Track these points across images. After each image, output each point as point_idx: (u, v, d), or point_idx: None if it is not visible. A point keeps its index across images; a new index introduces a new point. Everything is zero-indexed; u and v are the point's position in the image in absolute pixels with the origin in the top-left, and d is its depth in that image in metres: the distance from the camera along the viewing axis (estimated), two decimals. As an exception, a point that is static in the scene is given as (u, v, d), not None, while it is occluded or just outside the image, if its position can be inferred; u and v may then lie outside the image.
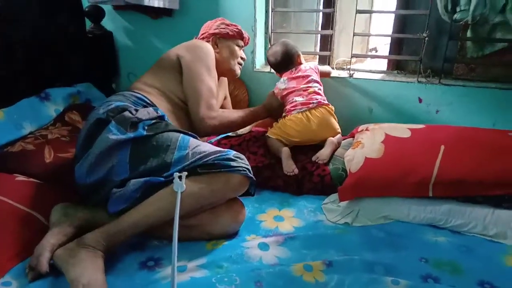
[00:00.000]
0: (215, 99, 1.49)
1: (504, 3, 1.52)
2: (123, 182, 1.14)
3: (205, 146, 1.19)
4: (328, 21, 1.90)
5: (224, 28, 1.63)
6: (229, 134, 1.71)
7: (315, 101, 1.60)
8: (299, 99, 1.61)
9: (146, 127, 1.20)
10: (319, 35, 2.10)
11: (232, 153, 1.16)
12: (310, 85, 1.64)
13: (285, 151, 1.53)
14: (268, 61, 1.80)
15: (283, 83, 1.69)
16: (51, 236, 1.07)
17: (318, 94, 1.64)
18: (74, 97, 1.85)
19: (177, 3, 1.95)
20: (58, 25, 1.82)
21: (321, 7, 1.98)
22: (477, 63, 1.72)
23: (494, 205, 1.17)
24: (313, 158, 1.51)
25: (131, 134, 1.17)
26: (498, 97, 1.66)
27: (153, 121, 1.23)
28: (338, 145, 1.59)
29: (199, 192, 1.10)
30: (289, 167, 1.48)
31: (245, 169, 1.15)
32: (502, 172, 1.17)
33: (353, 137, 1.61)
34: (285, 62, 1.72)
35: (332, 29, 1.88)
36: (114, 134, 1.17)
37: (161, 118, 1.28)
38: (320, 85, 1.69)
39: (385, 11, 2.01)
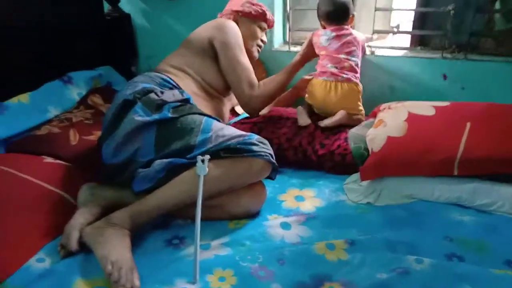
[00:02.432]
0: (254, 75, 1.51)
1: (537, -28, 1.44)
2: (148, 162, 1.17)
3: (229, 130, 1.20)
4: (349, -3, 1.84)
5: (248, 7, 1.60)
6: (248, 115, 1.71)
7: (345, 75, 1.56)
8: (332, 68, 1.57)
9: (171, 109, 1.21)
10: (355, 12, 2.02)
11: (255, 137, 1.17)
12: (349, 57, 1.57)
13: (299, 108, 1.61)
14: (318, 8, 1.66)
15: (327, 38, 1.60)
16: (80, 215, 1.11)
17: (352, 70, 1.58)
18: (96, 81, 1.87)
19: (194, -17, 1.93)
20: (76, 8, 1.83)
21: (341, -18, 1.91)
22: (506, 37, 1.64)
23: (521, 184, 1.14)
24: (319, 122, 1.56)
25: (156, 116, 1.19)
26: (528, 72, 1.59)
27: (178, 103, 1.25)
28: (350, 121, 1.56)
29: (221, 176, 1.11)
30: (302, 119, 1.55)
31: (268, 154, 1.15)
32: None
33: (375, 116, 1.58)
34: (339, 13, 1.60)
35: (353, 3, 1.82)
36: (140, 115, 1.20)
37: (186, 100, 1.29)
38: (359, 60, 1.63)
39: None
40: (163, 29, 2.18)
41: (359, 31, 1.92)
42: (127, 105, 1.24)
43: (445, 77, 1.73)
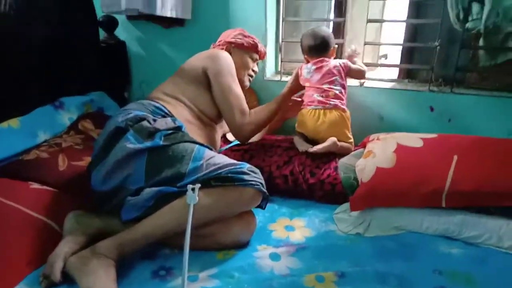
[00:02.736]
0: (245, 104, 1.54)
1: (517, 12, 1.51)
2: (138, 190, 1.16)
3: (220, 158, 1.21)
4: (339, 30, 1.91)
5: (240, 39, 1.65)
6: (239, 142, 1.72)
7: (332, 103, 1.61)
8: (319, 97, 1.62)
9: (163, 137, 1.22)
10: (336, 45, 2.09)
11: (246, 166, 1.17)
12: (332, 86, 1.63)
13: (296, 138, 1.66)
14: (301, 42, 1.73)
15: (308, 71, 1.67)
16: (65, 244, 1.09)
17: (338, 98, 1.63)
18: (87, 106, 1.88)
19: (189, 13, 1.98)
20: (72, 35, 1.85)
21: (332, 17, 1.99)
22: (490, 72, 1.70)
23: (508, 217, 1.15)
24: (309, 149, 1.59)
25: (148, 144, 1.19)
26: (511, 106, 1.64)
27: (171, 131, 1.25)
28: (339, 148, 1.58)
29: (211, 205, 1.11)
30: (303, 145, 1.60)
31: (259, 183, 1.15)
32: (516, 183, 1.15)
33: (364, 146, 1.60)
34: (320, 47, 1.67)
35: (343, 38, 1.89)
36: (131, 143, 1.20)
37: (178, 128, 1.30)
38: (344, 88, 1.67)
39: (396, 20, 2.01)
40: (157, 56, 2.22)
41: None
42: (119, 132, 1.25)
43: (432, 109, 1.78)
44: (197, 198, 1.06)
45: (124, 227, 1.12)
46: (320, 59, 1.67)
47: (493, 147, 1.32)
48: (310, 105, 1.64)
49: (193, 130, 1.42)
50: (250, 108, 1.81)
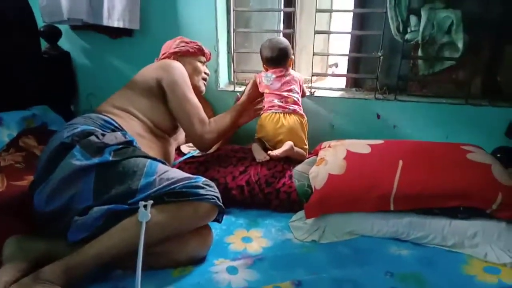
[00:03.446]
0: (203, 112, 1.53)
1: (450, 25, 1.63)
2: (85, 209, 1.10)
3: (174, 172, 1.18)
4: (289, 41, 1.95)
5: (184, 46, 1.64)
6: (194, 154, 1.70)
7: (291, 107, 1.67)
8: (279, 102, 1.67)
9: (112, 153, 1.17)
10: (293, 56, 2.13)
11: (201, 180, 1.15)
12: (291, 94, 1.69)
13: (254, 145, 1.66)
14: (261, 52, 1.75)
15: (268, 79, 1.71)
16: (4, 272, 1.00)
17: (296, 104, 1.69)
18: (29, 121, 1.76)
19: (138, 23, 1.93)
20: (11, 46, 1.74)
21: (281, 28, 2.03)
22: (428, 80, 1.82)
23: (450, 217, 1.23)
24: (269, 152, 1.61)
25: (96, 160, 1.14)
26: (449, 111, 1.77)
27: (121, 146, 1.20)
28: (295, 154, 1.63)
29: (165, 221, 1.07)
30: (261, 155, 1.60)
31: (215, 197, 1.14)
32: (455, 184, 1.23)
33: (317, 154, 1.64)
34: (280, 57, 1.71)
35: (292, 48, 1.93)
36: (78, 159, 1.14)
37: (129, 143, 1.25)
38: (300, 98, 1.74)
39: (341, 32, 2.10)
40: (105, 67, 2.14)
41: (300, 73, 2.03)
42: (64, 149, 1.18)
43: (378, 116, 1.87)
44: (149, 215, 1.03)
45: (71, 250, 1.05)
46: (280, 69, 1.72)
47: (434, 151, 1.40)
48: (270, 109, 1.68)
49: (145, 144, 1.38)
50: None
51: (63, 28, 2.05)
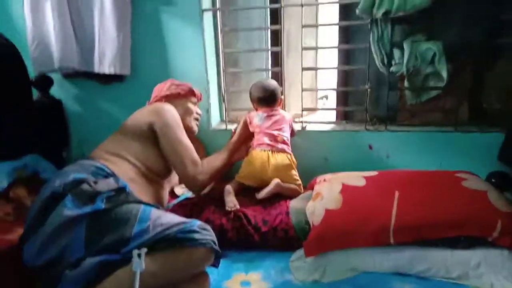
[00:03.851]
0: (196, 153, 1.53)
1: (433, 56, 1.68)
2: (77, 261, 1.06)
3: (168, 217, 1.16)
4: (277, 79, 1.99)
5: (175, 89, 1.66)
6: (188, 196, 1.68)
7: (280, 146, 1.69)
8: (267, 141, 1.70)
9: (104, 200, 1.15)
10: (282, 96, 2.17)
11: (197, 224, 1.13)
12: (281, 133, 1.73)
13: (227, 189, 1.60)
14: (250, 93, 1.82)
15: (259, 118, 1.75)
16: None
17: (285, 143, 1.72)
18: (20, 171, 1.74)
19: (128, 69, 1.97)
20: (2, 97, 1.75)
21: (269, 66, 2.08)
22: (417, 110, 1.85)
23: (452, 247, 1.20)
24: (256, 194, 1.60)
25: (87, 209, 1.12)
26: (440, 139, 1.79)
27: (113, 193, 1.19)
28: (284, 189, 1.62)
29: (160, 270, 1.04)
30: (231, 202, 1.54)
31: (210, 241, 1.11)
32: (454, 214, 1.22)
33: (313, 188, 1.63)
34: (270, 98, 1.77)
35: (281, 85, 1.97)
36: (69, 209, 1.12)
37: (121, 189, 1.23)
38: (289, 137, 1.77)
39: (328, 68, 2.15)
40: (97, 113, 2.15)
41: (289, 109, 2.07)
42: (56, 198, 1.16)
43: (371, 147, 1.88)
44: (143, 264, 1.00)
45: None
46: (270, 108, 1.77)
47: (428, 180, 1.40)
48: (259, 146, 1.70)
49: (138, 189, 1.36)
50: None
51: (55, 76, 2.07)
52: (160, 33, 1.95)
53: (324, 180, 1.57)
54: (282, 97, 1.85)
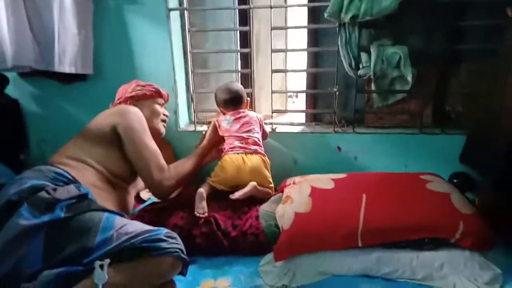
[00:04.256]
0: (162, 158, 1.47)
1: (398, 60, 1.72)
2: (35, 274, 1.00)
3: (133, 225, 1.11)
4: (247, 81, 1.98)
5: (140, 90, 1.61)
6: (155, 200, 1.63)
7: (252, 148, 1.67)
8: (239, 144, 1.67)
9: (64, 208, 1.09)
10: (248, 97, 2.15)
11: (163, 232, 1.09)
12: (251, 134, 1.70)
13: (199, 193, 1.54)
14: (216, 96, 1.80)
15: (227, 122, 1.72)
16: None
17: (256, 144, 1.70)
18: (-29, 177, 1.62)
19: (91, 68, 1.88)
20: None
21: (239, 68, 2.06)
22: (383, 112, 1.89)
23: (417, 249, 1.23)
24: (230, 196, 1.56)
25: (45, 218, 1.06)
26: (405, 141, 1.83)
27: (74, 200, 1.13)
28: (259, 193, 1.61)
29: (124, 282, 1.00)
30: (200, 208, 1.50)
31: (178, 249, 1.08)
32: (418, 216, 1.25)
33: (282, 191, 1.62)
34: (235, 100, 1.75)
35: (251, 87, 1.95)
36: (25, 218, 1.06)
37: (83, 196, 1.17)
38: (260, 138, 1.75)
39: (297, 70, 2.16)
40: (58, 113, 2.05)
41: (260, 111, 2.05)
42: (11, 207, 1.09)
43: (339, 149, 1.90)
44: (106, 276, 0.96)
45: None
46: (237, 111, 1.74)
47: (394, 183, 1.43)
48: (232, 150, 1.67)
49: (101, 195, 1.30)
50: (165, 160, 1.76)
51: (11, 75, 1.96)
52: (125, 32, 1.89)
53: (294, 182, 1.57)
54: (248, 99, 1.83)
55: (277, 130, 1.96)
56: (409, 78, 1.72)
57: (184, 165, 1.57)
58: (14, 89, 2.02)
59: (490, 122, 1.55)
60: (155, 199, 1.63)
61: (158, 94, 1.65)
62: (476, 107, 1.72)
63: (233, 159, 1.64)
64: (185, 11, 1.90)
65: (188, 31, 1.93)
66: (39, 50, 1.82)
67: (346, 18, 1.64)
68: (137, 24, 1.87)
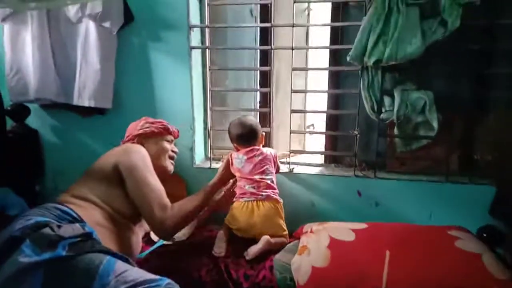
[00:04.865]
0: (165, 196, 1.42)
1: (423, 105, 1.66)
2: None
3: (133, 273, 1.06)
4: (266, 119, 1.94)
5: (148, 127, 1.60)
6: (165, 242, 1.57)
7: (264, 193, 1.58)
8: (251, 189, 1.59)
9: (67, 247, 1.06)
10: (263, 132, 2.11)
11: (164, 283, 1.04)
12: (264, 176, 1.61)
13: (220, 234, 1.54)
14: (229, 131, 1.72)
15: (240, 161, 1.63)
16: None
17: (270, 187, 1.61)
18: (-16, 208, 1.61)
19: (110, 102, 1.89)
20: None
21: (257, 106, 2.03)
22: (406, 158, 1.81)
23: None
24: (244, 254, 1.47)
25: (46, 255, 1.03)
26: (430, 189, 1.74)
27: (78, 239, 1.10)
28: (274, 245, 1.51)
29: None
30: (218, 248, 1.48)
31: None
32: (447, 279, 1.16)
33: (299, 238, 1.55)
34: (249, 135, 1.66)
35: (269, 126, 1.91)
36: (26, 255, 1.03)
37: (87, 235, 1.14)
38: (274, 177, 1.66)
39: (317, 111, 2.12)
40: (75, 146, 2.06)
41: (278, 150, 2.00)
42: (14, 244, 1.07)
43: (359, 194, 1.82)
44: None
45: None
46: (251, 148, 1.65)
47: (420, 238, 1.34)
48: (242, 197, 1.59)
49: (106, 234, 1.28)
50: (179, 197, 1.72)
51: (32, 106, 1.98)
52: (147, 68, 1.90)
53: (311, 231, 1.49)
54: (263, 133, 1.75)
55: (295, 171, 1.90)
56: (435, 124, 1.65)
57: (190, 203, 1.49)
58: (35, 120, 2.04)
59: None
60: (164, 242, 1.57)
61: (166, 131, 1.63)
62: (506, 157, 1.63)
63: (243, 208, 1.56)
64: (207, 49, 1.90)
65: (209, 69, 1.93)
66: (61, 83, 1.85)
67: (370, 62, 1.60)
68: (159, 61, 1.89)
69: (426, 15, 1.54)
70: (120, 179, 1.39)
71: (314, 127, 2.97)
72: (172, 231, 1.42)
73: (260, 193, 1.58)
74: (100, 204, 1.34)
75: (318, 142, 2.42)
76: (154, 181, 1.42)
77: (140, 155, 1.45)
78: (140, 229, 1.54)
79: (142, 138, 1.57)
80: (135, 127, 1.61)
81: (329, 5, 1.84)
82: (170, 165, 1.64)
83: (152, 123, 1.61)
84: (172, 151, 1.66)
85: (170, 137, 1.66)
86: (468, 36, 1.58)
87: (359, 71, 1.70)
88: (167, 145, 1.62)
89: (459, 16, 1.50)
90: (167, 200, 1.42)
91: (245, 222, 1.55)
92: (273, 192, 1.61)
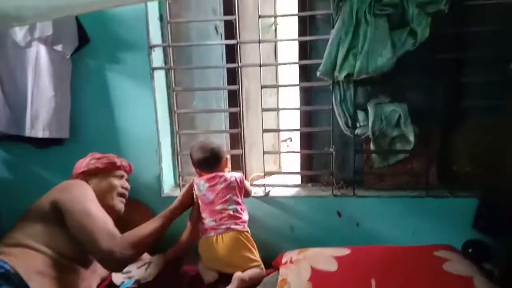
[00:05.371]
0: (113, 226, 1.29)
1: (398, 118, 1.60)
2: None
3: None
4: (236, 141, 1.84)
5: (93, 163, 1.50)
6: (129, 285, 1.41)
7: (224, 226, 1.46)
8: (211, 222, 1.47)
9: None
10: (228, 155, 2.01)
11: None
12: (226, 207, 1.49)
13: (200, 264, 1.48)
14: (191, 156, 1.60)
15: (201, 189, 1.52)
16: None
17: (232, 218, 1.48)
18: None
19: (67, 131, 1.74)
20: None
21: (228, 127, 1.93)
22: (384, 173, 1.74)
23: None
24: None
25: None
26: (410, 204, 1.67)
27: None
28: (249, 281, 1.38)
29: None
30: (208, 275, 1.42)
31: None
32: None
33: (278, 268, 1.43)
34: (211, 160, 1.55)
35: (241, 148, 1.81)
36: None
37: None
38: (240, 204, 1.53)
39: (290, 130, 2.04)
40: (29, 180, 1.87)
41: (252, 172, 1.89)
42: None
43: (339, 214, 1.73)
44: None
45: None
46: (213, 175, 1.54)
47: (407, 262, 1.25)
48: (205, 232, 1.49)
49: (48, 284, 1.16)
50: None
51: (-20, 138, 1.80)
52: (106, 93, 1.77)
53: (291, 261, 1.38)
54: (228, 156, 1.65)
55: (271, 194, 1.79)
56: (411, 138, 1.60)
57: (144, 229, 1.36)
58: (-17, 154, 1.86)
59: (505, 182, 1.41)
60: (130, 283, 1.41)
61: (114, 166, 1.53)
62: (486, 167, 1.58)
63: (206, 245, 1.47)
64: (170, 70, 1.79)
65: (173, 91, 1.81)
66: (10, 113, 1.68)
67: (340, 76, 1.54)
68: (119, 85, 1.76)
69: (395, 26, 1.50)
70: (59, 218, 1.26)
71: (291, 140, 2.90)
72: (123, 260, 1.28)
73: (220, 226, 1.46)
74: (39, 248, 1.21)
75: (294, 160, 2.33)
76: (98, 211, 1.31)
77: (80, 188, 1.35)
78: (93, 275, 1.39)
79: (86, 176, 1.47)
80: (80, 165, 1.50)
81: (296, 19, 1.78)
82: (119, 204, 1.51)
83: (98, 158, 1.50)
84: (123, 187, 1.54)
85: (119, 173, 1.55)
86: (439, 45, 1.54)
87: (331, 86, 1.63)
88: (115, 181, 1.51)
89: (428, 26, 1.46)
90: (115, 229, 1.29)
91: (211, 259, 1.45)
92: (235, 223, 1.48)
